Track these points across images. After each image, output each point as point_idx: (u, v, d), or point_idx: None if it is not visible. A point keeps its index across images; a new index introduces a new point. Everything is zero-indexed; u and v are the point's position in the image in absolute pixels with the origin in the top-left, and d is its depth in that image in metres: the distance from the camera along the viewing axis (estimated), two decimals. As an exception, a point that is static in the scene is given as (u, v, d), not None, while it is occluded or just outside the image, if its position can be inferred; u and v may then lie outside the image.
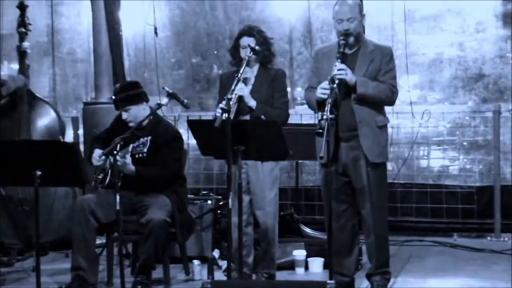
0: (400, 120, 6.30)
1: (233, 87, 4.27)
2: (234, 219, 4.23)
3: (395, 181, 6.28)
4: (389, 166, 5.72)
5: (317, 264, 4.86)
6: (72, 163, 4.10)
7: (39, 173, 4.05)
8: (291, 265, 4.91)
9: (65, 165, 4.11)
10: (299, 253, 4.90)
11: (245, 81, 4.50)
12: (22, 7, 5.42)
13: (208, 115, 5.82)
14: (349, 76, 4.11)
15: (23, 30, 5.37)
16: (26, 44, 5.33)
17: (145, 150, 4.67)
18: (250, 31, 4.61)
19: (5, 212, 5.08)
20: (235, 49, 4.63)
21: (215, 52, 6.98)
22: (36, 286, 4.04)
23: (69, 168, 4.11)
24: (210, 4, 6.94)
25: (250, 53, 4.38)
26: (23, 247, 5.36)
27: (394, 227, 5.69)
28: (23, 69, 5.32)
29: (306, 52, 6.73)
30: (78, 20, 7.02)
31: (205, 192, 5.58)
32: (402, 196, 6.26)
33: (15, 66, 6.45)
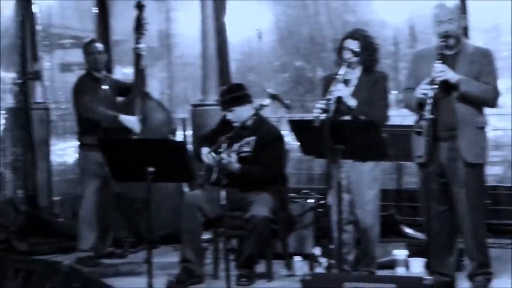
0: (505, 122, 6.17)
1: (333, 87, 4.38)
2: (334, 217, 4.34)
3: (500, 184, 6.16)
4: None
5: (418, 264, 4.87)
6: (181, 161, 4.35)
7: (151, 169, 4.34)
8: (391, 265, 4.95)
9: (174, 162, 4.37)
10: (400, 253, 4.94)
11: (346, 82, 4.59)
12: (139, 7, 5.60)
13: (310, 117, 5.92)
14: (450, 75, 4.11)
15: (139, 30, 5.51)
16: (142, 45, 5.50)
17: (250, 149, 4.87)
18: (354, 34, 4.68)
19: (119, 209, 5.40)
20: (339, 50, 4.72)
21: (318, 55, 7.09)
22: (148, 277, 4.30)
23: (178, 165, 4.37)
24: (314, 9, 7.06)
25: (351, 55, 4.48)
26: (135, 241, 5.69)
27: (498, 230, 5.60)
28: (138, 71, 5.58)
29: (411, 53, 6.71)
30: (189, 25, 7.30)
31: (306, 191, 5.71)
32: (507, 199, 6.15)
33: (127, 70, 6.84)
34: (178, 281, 4.76)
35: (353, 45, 4.60)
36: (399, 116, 6.11)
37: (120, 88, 5.67)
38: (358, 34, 4.67)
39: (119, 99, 5.67)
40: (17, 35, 6.76)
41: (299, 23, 7.13)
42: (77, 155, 5.71)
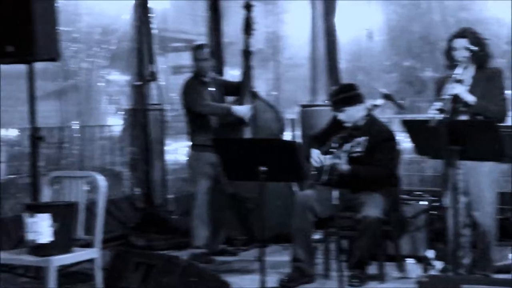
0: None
1: (448, 87, 4.30)
2: (451, 220, 4.26)
3: None
4: None
5: (537, 270, 4.70)
6: (293, 160, 4.40)
7: (264, 169, 4.41)
8: (508, 269, 4.80)
9: (286, 161, 4.42)
10: (517, 257, 4.78)
11: (460, 81, 4.49)
12: (248, 7, 5.68)
13: (420, 118, 5.84)
14: None
15: (248, 31, 5.60)
16: (250, 45, 5.59)
17: (361, 149, 4.85)
18: (462, 32, 4.59)
19: (232, 208, 5.52)
20: (448, 51, 4.64)
21: (430, 55, 6.96)
22: (260, 275, 4.37)
23: (290, 165, 4.42)
24: (427, 7, 6.94)
25: (467, 53, 4.38)
26: (247, 240, 5.79)
27: None
28: (247, 70, 5.66)
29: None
30: (298, 26, 7.36)
31: (418, 192, 5.63)
32: None
33: (236, 72, 6.98)
34: (289, 280, 4.81)
35: (463, 43, 4.51)
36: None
37: (228, 88, 5.78)
38: (466, 32, 4.58)
39: (228, 99, 5.80)
40: (134, 39, 7.04)
41: (410, 22, 7.03)
42: (188, 156, 5.87)
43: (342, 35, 7.08)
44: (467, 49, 4.42)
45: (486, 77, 4.54)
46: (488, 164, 4.44)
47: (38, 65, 5.00)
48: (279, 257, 5.59)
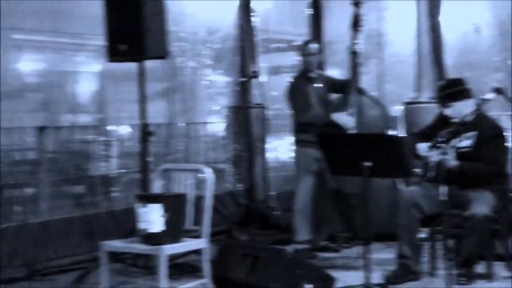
0: None
1: None
2: None
3: None
4: None
5: None
6: (398, 156, 4.35)
7: (368, 164, 4.38)
8: None
9: (392, 157, 4.37)
10: None
11: None
12: (356, 4, 5.65)
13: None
14: None
15: (356, 27, 5.58)
16: (358, 42, 5.59)
17: (470, 145, 4.74)
18: None
19: (335, 204, 5.51)
20: None
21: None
22: (365, 271, 4.36)
23: (396, 161, 4.38)
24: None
25: None
26: (350, 236, 5.77)
27: None
28: (354, 68, 5.64)
29: None
30: (402, 24, 7.27)
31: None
32: None
33: (336, 72, 6.97)
34: (395, 276, 4.76)
35: None
36: None
37: (334, 85, 5.79)
38: None
39: (334, 96, 5.80)
40: (237, 39, 7.17)
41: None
42: (291, 152, 5.92)
43: (448, 31, 6.93)
44: None
45: None
46: None
47: (147, 65, 5.20)
48: (383, 254, 5.55)
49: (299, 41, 7.31)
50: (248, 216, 6.68)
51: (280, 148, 7.47)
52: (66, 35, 5.92)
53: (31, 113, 5.88)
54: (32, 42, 5.85)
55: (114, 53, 5.05)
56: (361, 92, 5.66)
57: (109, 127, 6.25)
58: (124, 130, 6.26)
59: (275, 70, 7.94)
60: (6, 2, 5.35)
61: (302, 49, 5.72)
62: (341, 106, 5.61)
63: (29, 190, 5.56)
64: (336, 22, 7.22)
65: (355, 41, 5.60)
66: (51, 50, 5.97)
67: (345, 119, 5.49)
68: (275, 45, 7.87)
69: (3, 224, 5.19)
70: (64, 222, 5.52)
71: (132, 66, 5.15)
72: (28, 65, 5.86)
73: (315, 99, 5.60)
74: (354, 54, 5.61)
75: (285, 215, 6.39)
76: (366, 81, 7.73)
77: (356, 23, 5.60)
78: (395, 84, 7.64)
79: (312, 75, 5.68)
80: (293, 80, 5.73)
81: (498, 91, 4.46)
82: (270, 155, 7.34)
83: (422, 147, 4.81)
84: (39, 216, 5.47)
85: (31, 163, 5.74)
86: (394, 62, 7.60)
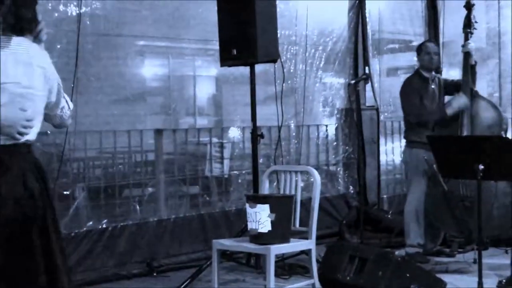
0: None
1: None
2: None
3: None
4: None
5: None
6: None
7: (481, 167, 4.27)
8: None
9: (506, 160, 4.25)
10: None
11: None
12: (468, 6, 5.56)
13: None
14: None
15: (468, 30, 5.51)
16: (470, 44, 5.50)
17: None
18: None
19: (448, 207, 5.38)
20: None
21: None
22: (478, 276, 4.25)
23: (510, 163, 4.25)
24: None
25: None
26: (464, 241, 5.62)
27: None
28: (466, 70, 5.52)
29: None
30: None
31: None
32: None
33: (454, 72, 6.79)
34: (509, 283, 4.60)
35: None
36: None
37: (448, 86, 5.68)
38: None
39: (447, 97, 5.68)
40: (350, 40, 7.16)
41: None
42: (403, 153, 5.85)
43: None
44: None
45: None
46: None
47: (258, 68, 5.31)
48: (499, 260, 5.38)
49: (415, 42, 7.24)
50: (359, 219, 6.64)
51: (394, 151, 7.38)
52: (186, 40, 6.15)
53: (153, 116, 6.17)
54: (154, 47, 6.12)
55: (227, 58, 5.19)
56: (475, 95, 5.50)
57: (224, 130, 6.43)
58: (238, 132, 6.42)
59: (389, 71, 7.86)
60: (129, 11, 5.65)
61: (421, 48, 5.65)
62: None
63: (148, 190, 5.83)
64: (454, 22, 7.03)
65: (468, 42, 5.47)
66: (171, 55, 6.21)
67: (458, 101, 5.37)
68: (389, 46, 7.78)
69: (124, 222, 5.47)
70: (180, 221, 5.73)
71: (247, 69, 5.28)
72: (150, 70, 6.14)
73: (429, 100, 5.52)
74: (466, 55, 5.48)
75: (397, 218, 6.32)
76: (486, 81, 7.54)
77: (467, 25, 5.48)
78: (514, 85, 7.37)
79: (427, 75, 5.60)
80: (408, 80, 5.67)
81: None
82: (383, 158, 7.27)
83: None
84: (157, 214, 5.72)
85: (150, 164, 6.01)
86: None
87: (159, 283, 5.13)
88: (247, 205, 4.25)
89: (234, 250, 4.65)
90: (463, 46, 5.53)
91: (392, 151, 7.37)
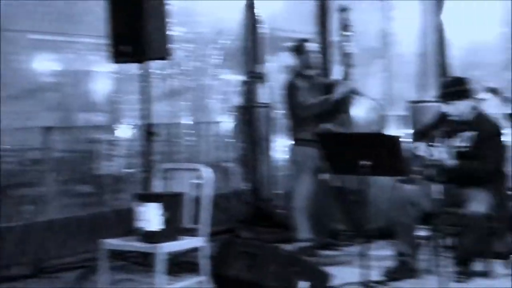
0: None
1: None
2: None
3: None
4: None
5: None
6: (395, 154, 4.39)
7: (367, 162, 4.42)
8: None
9: (389, 156, 4.42)
10: None
11: None
12: (342, 10, 5.71)
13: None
14: None
15: (344, 32, 5.65)
16: (347, 45, 5.64)
17: (469, 144, 4.76)
18: None
19: (336, 201, 5.54)
20: None
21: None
22: (365, 268, 4.41)
23: (392, 159, 4.42)
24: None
25: None
26: (352, 234, 5.81)
27: None
28: (346, 72, 5.67)
29: None
30: (408, 23, 7.29)
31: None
32: None
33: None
34: (393, 273, 4.80)
35: None
36: None
37: (327, 86, 5.78)
38: None
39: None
40: (245, 39, 7.23)
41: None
42: (290, 151, 5.94)
43: (456, 30, 6.93)
44: None
45: None
46: None
47: (154, 65, 5.28)
48: (383, 252, 5.58)
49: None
50: (253, 215, 6.74)
51: (286, 147, 7.50)
52: (80, 36, 6.02)
53: (45, 113, 6.00)
54: (46, 42, 5.96)
55: (118, 55, 5.14)
56: (355, 92, 5.68)
57: (117, 127, 6.34)
58: (131, 130, 6.35)
59: (283, 70, 7.98)
60: (21, 5, 5.48)
61: (301, 48, 5.73)
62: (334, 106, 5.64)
63: (37, 189, 5.67)
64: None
65: (346, 43, 5.63)
66: (65, 50, 6.07)
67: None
68: (284, 44, 7.90)
69: (11, 223, 5.30)
70: (70, 221, 5.62)
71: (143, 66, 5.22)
72: (42, 65, 5.96)
73: (311, 98, 5.62)
74: (345, 55, 5.64)
75: (291, 214, 6.43)
76: (375, 81, 7.82)
77: (344, 27, 5.64)
78: (401, 84, 7.66)
79: (307, 73, 5.69)
80: (289, 80, 5.73)
81: (492, 91, 4.47)
82: (277, 154, 7.38)
83: (421, 146, 4.85)
84: (46, 215, 5.58)
85: (39, 162, 5.85)
86: (401, 61, 7.63)
87: (47, 284, 5.02)
88: (136, 203, 4.23)
89: (123, 250, 4.60)
90: (343, 47, 5.68)
91: (284, 147, 7.49)
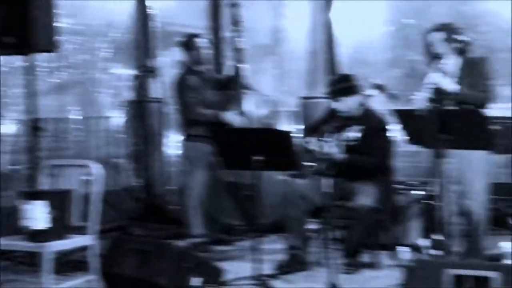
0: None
1: (433, 78, 4.34)
2: (444, 208, 4.30)
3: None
4: None
5: (526, 258, 4.71)
6: (287, 150, 4.46)
7: (259, 158, 4.46)
8: (499, 257, 4.82)
9: (281, 151, 4.48)
10: (506, 245, 4.80)
11: (441, 71, 4.52)
12: (233, 5, 5.72)
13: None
14: None
15: (235, 28, 5.66)
16: (239, 41, 5.65)
17: (356, 138, 4.91)
18: (438, 27, 4.64)
19: (228, 196, 5.56)
20: (426, 45, 4.67)
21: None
22: (257, 262, 4.44)
23: (284, 154, 4.48)
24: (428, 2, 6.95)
25: (446, 45, 4.45)
26: (244, 228, 5.86)
27: None
28: (237, 68, 5.66)
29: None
30: (298, 20, 7.40)
31: (412, 182, 5.68)
32: None
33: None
34: (284, 267, 4.88)
35: (439, 36, 4.57)
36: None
37: (218, 83, 5.80)
38: (441, 26, 4.63)
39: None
40: (136, 32, 7.11)
41: (413, 15, 7.05)
42: (182, 147, 5.90)
43: (344, 29, 7.10)
44: (447, 40, 4.47)
45: (471, 66, 4.56)
46: (480, 154, 4.47)
47: (41, 58, 5.09)
48: (276, 245, 5.67)
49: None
50: (145, 211, 6.66)
51: (179, 143, 7.44)
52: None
53: None
54: None
55: (1, 46, 4.92)
56: (247, 87, 5.72)
57: (1, 122, 6.07)
58: (16, 125, 6.10)
59: (175, 65, 7.90)
60: None
61: (190, 44, 5.68)
62: (226, 102, 5.64)
63: None
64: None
65: (237, 39, 5.64)
66: None
67: (233, 118, 5.53)
68: (177, 39, 7.83)
69: None
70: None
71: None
72: None
73: (201, 95, 5.59)
74: (237, 51, 5.66)
75: (183, 209, 6.40)
76: (264, 77, 7.90)
77: (234, 24, 5.67)
78: (292, 80, 7.79)
79: (197, 69, 5.65)
80: (179, 76, 5.68)
81: (379, 87, 4.63)
82: (169, 150, 7.32)
83: (312, 141, 4.95)
84: None
85: None
86: (292, 58, 7.75)
87: None
88: (22, 201, 4.07)
89: (8, 249, 4.42)
90: (234, 43, 5.69)
91: (177, 142, 7.43)
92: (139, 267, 4.17)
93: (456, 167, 4.51)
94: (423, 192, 5.43)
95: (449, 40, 4.56)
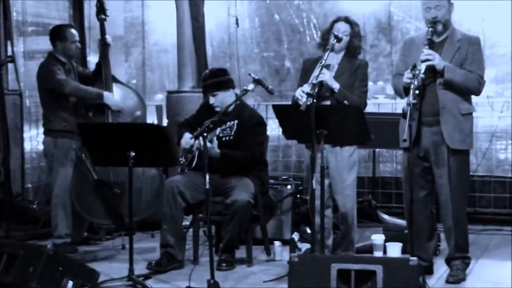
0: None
1: (316, 72, 4.39)
2: (317, 202, 4.36)
3: (474, 174, 6.25)
4: None
5: (395, 249, 4.92)
6: (162, 145, 4.35)
7: (132, 154, 4.32)
8: (369, 249, 5.01)
9: (156, 146, 4.36)
10: (378, 238, 4.99)
11: (328, 67, 4.58)
12: None
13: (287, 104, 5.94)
14: (436, 61, 4.20)
15: (101, 16, 5.49)
16: (105, 34, 5.47)
17: (232, 133, 4.88)
18: (347, 18, 4.68)
19: (97, 195, 5.32)
20: (327, 32, 4.66)
21: (298, 44, 7.08)
22: (129, 262, 4.31)
23: (159, 150, 4.37)
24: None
25: (333, 40, 4.50)
26: (113, 227, 5.65)
27: (472, 218, 5.71)
28: (105, 60, 5.46)
29: (382, 44, 6.78)
30: (164, 12, 7.25)
31: (284, 177, 5.76)
32: (480, 187, 6.28)
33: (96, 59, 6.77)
34: (159, 266, 4.75)
35: (345, 27, 4.60)
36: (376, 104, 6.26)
37: (84, 77, 5.56)
38: (350, 19, 4.67)
39: None
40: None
41: (278, 11, 7.12)
42: (44, 143, 5.59)
43: (210, 22, 7.03)
44: (335, 36, 4.49)
45: (353, 67, 4.62)
46: (348, 148, 4.57)
47: None
48: (147, 244, 5.53)
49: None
50: (3, 211, 6.22)
51: (39, 137, 7.05)
52: None
53: None
54: None
55: None
56: (115, 80, 5.53)
57: None
58: None
59: (31, 55, 7.47)
60: None
61: (65, 36, 5.42)
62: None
63: None
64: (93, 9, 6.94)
65: (103, 31, 5.46)
66: None
67: (113, 100, 5.32)
68: (33, 29, 7.40)
69: None
70: None
71: None
72: None
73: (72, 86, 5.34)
74: (103, 44, 5.47)
75: (43, 209, 6.07)
76: (128, 70, 7.68)
77: (99, 12, 5.48)
78: (158, 73, 7.63)
79: (64, 60, 5.39)
80: (44, 62, 5.42)
81: (257, 81, 4.61)
82: (27, 145, 6.91)
83: (187, 136, 4.86)
84: None
85: None
86: (157, 51, 7.59)
87: None
88: None
89: None
90: (100, 37, 5.49)
91: (36, 137, 7.04)
92: (6, 272, 3.88)
93: (326, 161, 4.53)
94: (294, 187, 5.53)
95: (351, 34, 4.57)
